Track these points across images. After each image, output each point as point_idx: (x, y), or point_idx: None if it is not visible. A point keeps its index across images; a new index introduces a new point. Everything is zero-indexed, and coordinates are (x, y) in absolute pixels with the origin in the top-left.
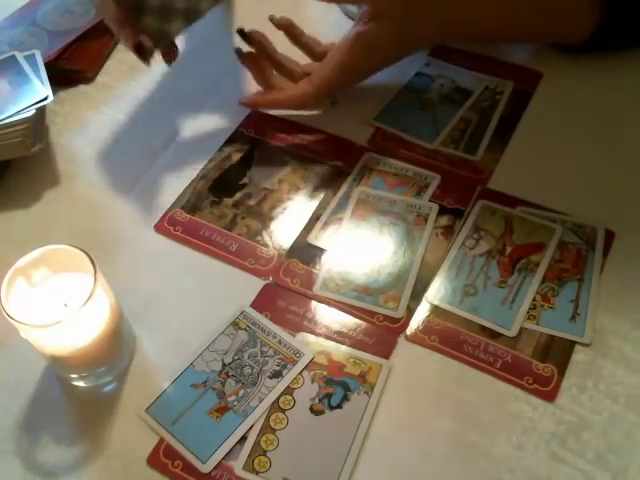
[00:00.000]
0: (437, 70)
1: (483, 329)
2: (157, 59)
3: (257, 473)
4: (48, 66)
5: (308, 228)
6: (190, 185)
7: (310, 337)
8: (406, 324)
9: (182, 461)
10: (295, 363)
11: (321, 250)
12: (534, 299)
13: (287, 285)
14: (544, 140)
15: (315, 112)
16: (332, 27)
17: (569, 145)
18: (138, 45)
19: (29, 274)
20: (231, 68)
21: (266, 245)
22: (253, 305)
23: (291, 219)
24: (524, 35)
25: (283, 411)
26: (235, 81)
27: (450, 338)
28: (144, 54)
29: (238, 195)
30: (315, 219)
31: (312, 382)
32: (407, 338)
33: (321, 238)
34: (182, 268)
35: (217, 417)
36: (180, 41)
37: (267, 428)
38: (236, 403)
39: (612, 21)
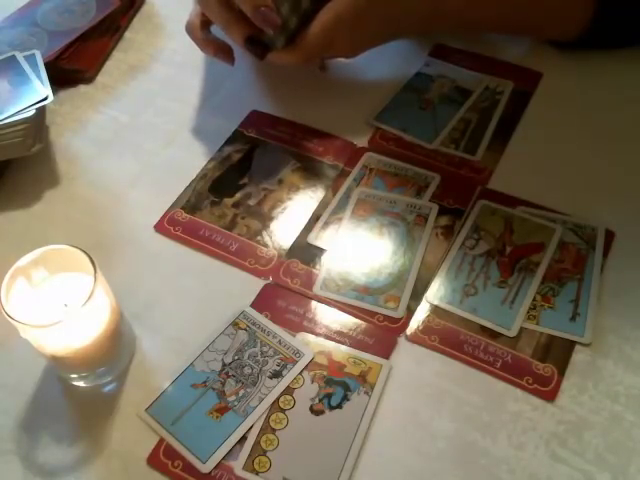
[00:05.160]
0: (437, 70)
1: (483, 329)
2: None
3: (257, 473)
4: (48, 66)
5: (308, 228)
6: (190, 185)
7: (310, 337)
8: (406, 324)
9: (182, 461)
10: (295, 363)
11: (321, 250)
12: (534, 299)
13: (287, 285)
14: (544, 140)
15: (315, 112)
16: None
17: (569, 145)
18: (249, 39)
19: (29, 274)
20: (231, 68)
21: (266, 245)
22: (253, 305)
23: (291, 219)
24: (517, 26)
25: (283, 411)
26: (235, 81)
27: (450, 338)
28: (257, 48)
29: (238, 195)
30: (315, 219)
31: (312, 382)
32: (407, 338)
33: (321, 238)
34: (182, 268)
35: (217, 417)
36: (181, 41)
37: (267, 428)
38: (236, 403)
39: (606, 16)
